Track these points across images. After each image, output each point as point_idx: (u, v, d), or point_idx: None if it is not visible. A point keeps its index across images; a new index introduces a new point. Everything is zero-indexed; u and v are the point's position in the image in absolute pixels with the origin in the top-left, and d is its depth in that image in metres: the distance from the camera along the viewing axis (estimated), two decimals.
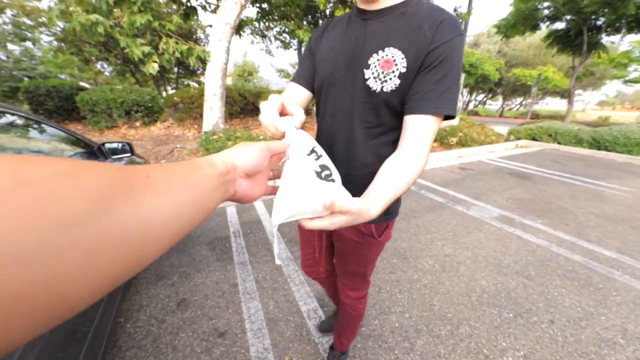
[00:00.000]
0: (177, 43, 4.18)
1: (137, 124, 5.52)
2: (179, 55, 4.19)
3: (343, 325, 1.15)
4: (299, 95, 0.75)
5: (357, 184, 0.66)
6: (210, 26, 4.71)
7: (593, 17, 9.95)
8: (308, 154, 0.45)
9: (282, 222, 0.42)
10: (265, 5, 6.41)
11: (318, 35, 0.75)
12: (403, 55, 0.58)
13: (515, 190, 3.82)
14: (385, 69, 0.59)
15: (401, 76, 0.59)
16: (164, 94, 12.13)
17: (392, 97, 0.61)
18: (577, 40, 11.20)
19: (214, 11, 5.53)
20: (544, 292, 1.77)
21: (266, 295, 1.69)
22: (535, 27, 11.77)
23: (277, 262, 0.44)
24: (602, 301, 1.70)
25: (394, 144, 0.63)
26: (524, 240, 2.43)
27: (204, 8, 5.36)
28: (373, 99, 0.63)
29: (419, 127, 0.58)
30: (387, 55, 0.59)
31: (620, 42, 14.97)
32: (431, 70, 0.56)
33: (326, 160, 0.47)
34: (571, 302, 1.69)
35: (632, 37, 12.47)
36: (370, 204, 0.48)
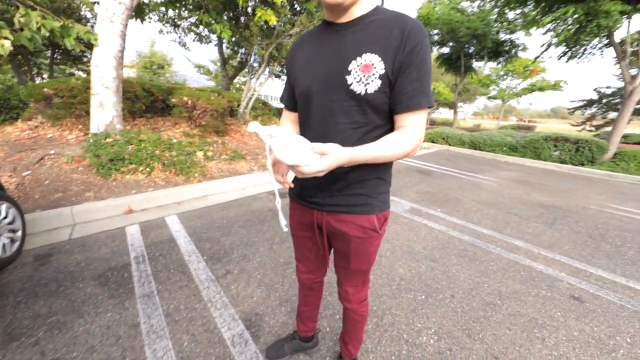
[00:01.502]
0: (44, 18, 3.21)
1: None
2: (47, 34, 3.22)
3: (349, 332, 1.14)
4: (293, 117, 0.94)
5: (351, 178, 0.78)
6: (97, 3, 3.83)
7: (467, 45, 12.77)
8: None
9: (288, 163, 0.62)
10: None
11: (291, 55, 0.85)
12: (380, 59, 0.65)
13: (421, 185, 4.46)
14: (366, 72, 0.66)
15: (381, 77, 0.66)
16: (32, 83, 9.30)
17: (376, 97, 0.68)
18: (457, 63, 14.14)
19: None
20: (446, 271, 2.08)
21: (179, 329, 1.42)
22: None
23: (285, 229, 0.67)
24: (484, 271, 2.11)
25: (378, 139, 0.72)
26: (429, 228, 2.83)
27: None
28: (359, 101, 0.69)
29: (414, 119, 0.70)
30: (365, 60, 0.66)
31: (484, 67, 19.73)
32: (411, 71, 0.66)
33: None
34: (464, 276, 2.03)
35: (492, 64, 16.60)
36: (344, 148, 0.65)
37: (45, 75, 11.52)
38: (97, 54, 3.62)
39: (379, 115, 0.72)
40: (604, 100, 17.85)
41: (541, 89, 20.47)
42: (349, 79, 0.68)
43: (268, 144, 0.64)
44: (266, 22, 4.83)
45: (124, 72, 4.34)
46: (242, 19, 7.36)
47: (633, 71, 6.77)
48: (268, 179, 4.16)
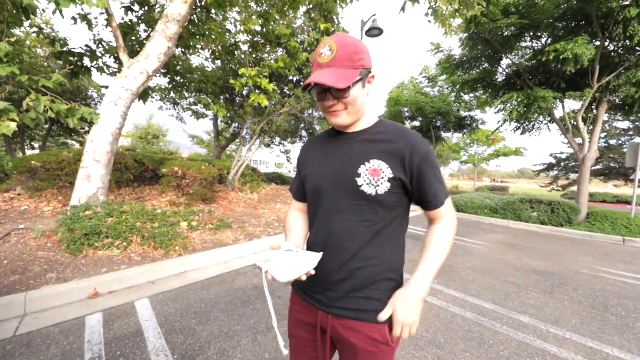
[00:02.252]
0: (52, 102, 3.45)
1: None
2: (53, 115, 3.42)
3: None
4: (301, 207, 0.97)
5: (361, 277, 0.77)
6: (106, 87, 4.22)
7: (434, 120, 14.65)
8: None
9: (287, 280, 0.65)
10: (178, 78, 6.43)
11: (302, 154, 0.94)
12: (387, 165, 0.74)
13: (413, 253, 4.36)
14: (375, 176, 0.74)
15: (390, 180, 0.73)
16: (21, 154, 9.34)
17: (386, 197, 0.74)
18: (428, 134, 15.91)
19: (114, 74, 5.10)
20: None
21: None
22: (402, 123, 16.28)
23: (285, 352, 0.64)
24: (496, 358, 1.88)
25: (390, 236, 0.78)
26: (429, 304, 2.63)
27: (100, 70, 4.88)
28: (370, 201, 0.75)
29: (445, 210, 0.80)
30: (373, 166, 0.74)
31: (452, 138, 22.27)
32: (428, 177, 0.75)
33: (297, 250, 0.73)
34: None
35: (458, 135, 18.82)
36: (411, 285, 0.75)
37: (36, 146, 11.68)
38: (96, 131, 3.80)
39: (390, 213, 0.77)
40: (562, 164, 20.04)
41: (505, 155, 22.89)
42: (359, 181, 0.75)
43: (264, 269, 0.66)
44: (259, 103, 5.44)
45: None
46: (237, 99, 8.27)
47: (579, 140, 7.82)
48: (253, 249, 3.96)
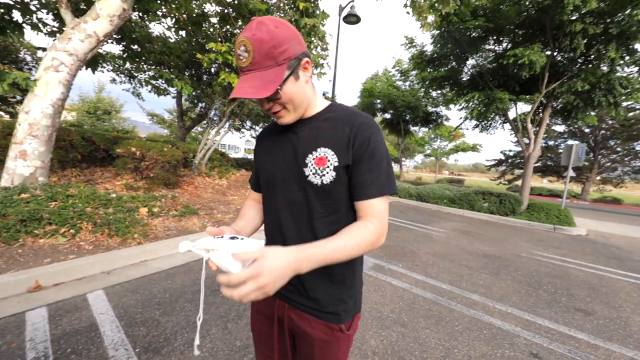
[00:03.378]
0: None
1: None
2: None
3: None
4: (258, 197, 0.91)
5: (321, 272, 0.67)
6: (43, 49, 3.59)
7: (404, 113, 15.22)
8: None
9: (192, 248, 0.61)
10: (135, 47, 5.70)
11: (257, 144, 0.89)
12: (333, 152, 0.69)
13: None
14: (320, 165, 0.70)
15: (335, 169, 0.69)
16: None
17: (332, 187, 0.70)
18: (398, 127, 16.53)
19: (53, 34, 4.35)
20: (417, 337, 2.00)
21: None
22: (374, 115, 16.60)
23: (196, 352, 0.60)
24: (452, 333, 2.09)
25: (342, 228, 0.69)
26: (394, 287, 2.81)
27: (34, 27, 4.11)
28: (316, 191, 0.71)
29: (370, 208, 0.69)
30: (320, 154, 0.70)
31: (419, 131, 23.49)
32: (363, 164, 0.69)
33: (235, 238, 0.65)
34: (435, 341, 1.97)
35: (424, 129, 19.91)
36: (283, 248, 0.57)
37: None
38: (32, 101, 3.24)
39: (339, 203, 0.72)
40: (510, 160, 22.47)
41: (463, 150, 24.85)
42: (306, 171, 0.71)
43: (205, 258, 0.61)
44: (229, 82, 5.09)
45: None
46: (204, 77, 7.65)
47: (527, 140, 8.76)
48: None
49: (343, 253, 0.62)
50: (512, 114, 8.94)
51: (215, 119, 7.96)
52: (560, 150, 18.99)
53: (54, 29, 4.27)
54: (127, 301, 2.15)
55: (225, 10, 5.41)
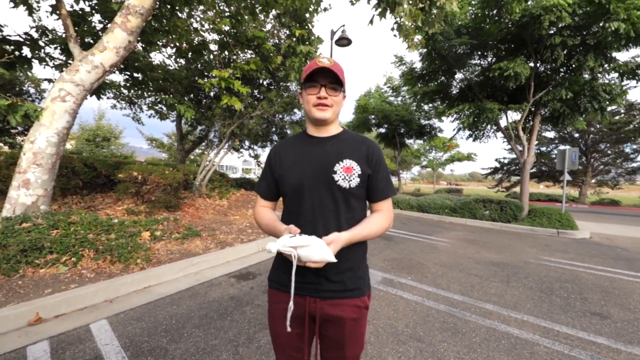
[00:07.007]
0: None
1: None
2: None
3: None
4: (271, 205, 1.07)
5: (345, 259, 0.87)
6: (50, 81, 3.70)
7: (398, 127, 15.56)
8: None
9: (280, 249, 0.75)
10: (138, 75, 5.90)
11: (276, 155, 1.01)
12: (356, 164, 0.91)
13: (387, 252, 4.53)
14: (348, 172, 0.90)
15: (359, 176, 0.91)
16: None
17: (356, 190, 0.91)
18: (393, 140, 16.82)
19: (59, 67, 4.51)
20: (435, 351, 1.93)
21: None
22: (369, 130, 16.96)
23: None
24: (470, 345, 2.03)
25: (354, 220, 0.93)
26: (406, 300, 2.74)
27: (42, 61, 4.27)
28: (344, 193, 0.91)
29: (387, 205, 0.97)
30: (346, 164, 0.91)
31: (414, 144, 23.91)
32: (378, 174, 0.95)
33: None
34: (454, 355, 1.91)
35: (419, 141, 20.31)
36: (342, 233, 0.84)
37: None
38: (37, 130, 3.29)
39: (358, 203, 0.95)
40: (505, 168, 22.75)
41: (459, 160, 25.17)
42: (336, 177, 0.90)
43: (295, 254, 0.72)
44: (231, 105, 5.24)
45: None
46: (204, 101, 7.85)
47: (520, 147, 8.94)
48: (226, 257, 3.75)
49: (374, 232, 0.90)
50: (503, 122, 9.20)
51: (214, 140, 8.08)
52: (553, 156, 19.37)
53: (60, 61, 4.44)
54: (132, 330, 2.08)
55: (225, 38, 5.68)
